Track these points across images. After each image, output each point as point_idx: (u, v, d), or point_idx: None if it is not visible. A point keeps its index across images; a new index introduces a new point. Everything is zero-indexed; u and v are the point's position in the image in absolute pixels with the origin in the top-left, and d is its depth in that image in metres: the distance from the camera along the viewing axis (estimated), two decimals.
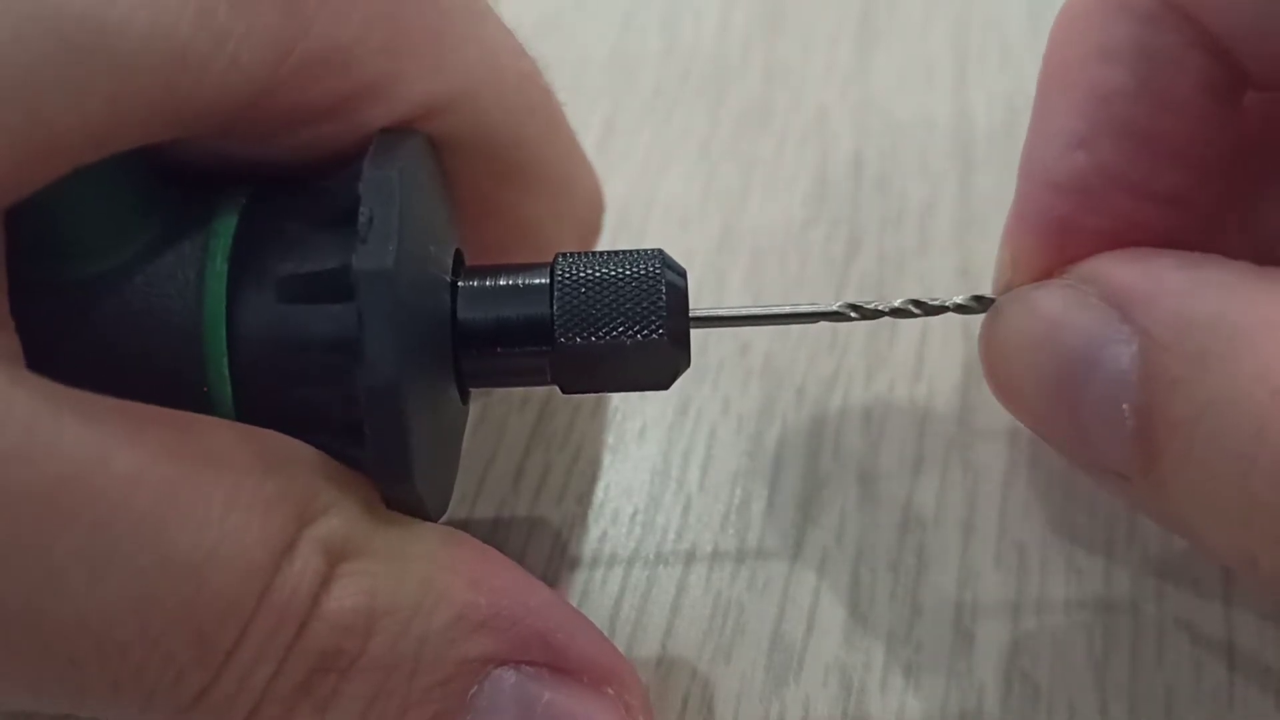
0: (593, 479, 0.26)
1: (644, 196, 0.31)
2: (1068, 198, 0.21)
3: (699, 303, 0.22)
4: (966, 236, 0.29)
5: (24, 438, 0.16)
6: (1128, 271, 0.20)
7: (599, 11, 0.35)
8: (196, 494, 0.17)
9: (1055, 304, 0.20)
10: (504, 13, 0.22)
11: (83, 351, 0.19)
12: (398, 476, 0.19)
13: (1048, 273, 0.21)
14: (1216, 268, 0.19)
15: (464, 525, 0.25)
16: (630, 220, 0.30)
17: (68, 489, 0.16)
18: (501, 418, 0.27)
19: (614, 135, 0.32)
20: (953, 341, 0.27)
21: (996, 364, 0.22)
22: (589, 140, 0.32)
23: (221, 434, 0.18)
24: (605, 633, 0.23)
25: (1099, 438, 0.20)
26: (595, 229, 0.26)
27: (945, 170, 0.31)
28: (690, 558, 0.24)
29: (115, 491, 0.17)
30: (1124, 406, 0.19)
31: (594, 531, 0.25)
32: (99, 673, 0.17)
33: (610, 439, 0.26)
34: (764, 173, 0.31)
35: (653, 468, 0.26)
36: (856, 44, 0.34)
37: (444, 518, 0.21)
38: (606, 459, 0.26)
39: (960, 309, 0.22)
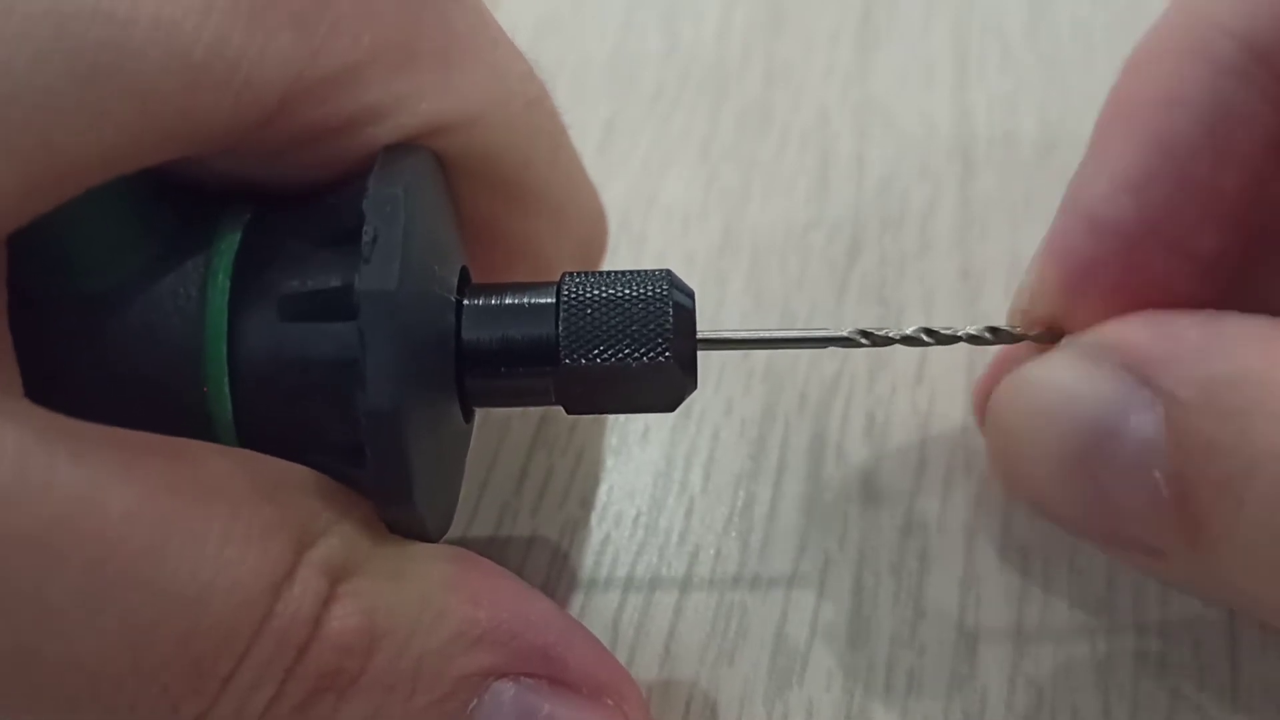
0: (595, 482, 0.26)
1: (644, 198, 0.31)
2: (1102, 240, 0.20)
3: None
4: (967, 238, 0.29)
5: (16, 479, 0.16)
6: (1143, 334, 0.19)
7: (599, 13, 0.35)
8: (192, 528, 0.17)
9: (1065, 374, 0.19)
10: (504, 15, 0.22)
11: (84, 368, 0.18)
12: (398, 499, 0.18)
13: (1058, 311, 0.20)
14: (1234, 323, 0.18)
15: (467, 530, 0.25)
16: (631, 222, 0.30)
17: (61, 530, 0.16)
18: (504, 421, 0.27)
19: (614, 137, 0.32)
20: (954, 345, 0.27)
21: (1003, 446, 0.21)
22: (590, 142, 0.32)
23: (217, 462, 0.18)
24: (608, 636, 0.23)
25: (1129, 511, 0.19)
26: (598, 251, 0.25)
27: (946, 171, 0.31)
28: (693, 560, 0.24)
29: (110, 530, 0.16)
30: (1155, 474, 0.18)
31: (597, 534, 0.25)
32: (93, 708, 0.17)
33: (613, 441, 0.26)
34: (764, 174, 0.31)
35: (655, 470, 0.26)
36: (856, 44, 0.34)
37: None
38: (609, 462, 0.26)
39: (973, 340, 0.21)
